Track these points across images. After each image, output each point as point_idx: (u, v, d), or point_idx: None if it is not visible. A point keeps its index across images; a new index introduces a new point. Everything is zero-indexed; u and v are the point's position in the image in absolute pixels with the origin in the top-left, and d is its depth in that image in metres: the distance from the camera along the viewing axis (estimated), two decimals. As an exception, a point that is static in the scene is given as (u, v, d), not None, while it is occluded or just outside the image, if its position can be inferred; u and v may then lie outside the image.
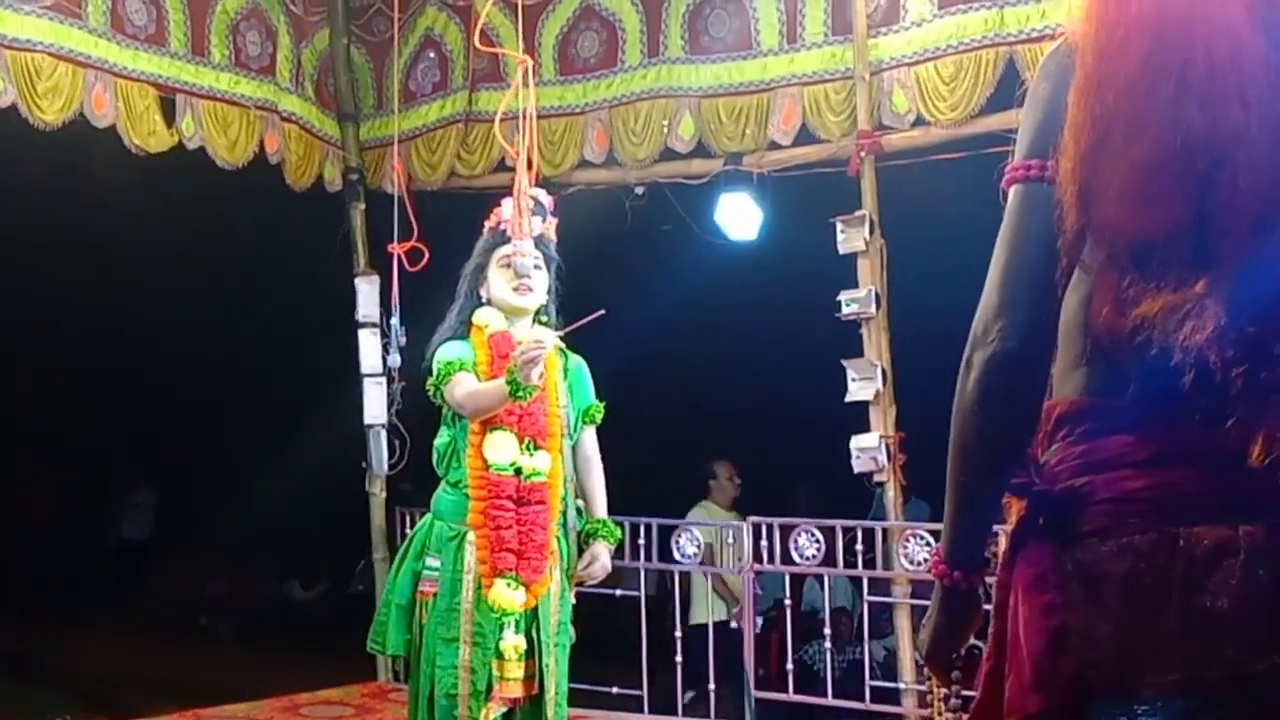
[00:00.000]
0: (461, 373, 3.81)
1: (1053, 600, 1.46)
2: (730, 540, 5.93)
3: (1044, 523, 1.51)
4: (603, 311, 3.66)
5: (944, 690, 1.75)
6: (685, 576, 6.31)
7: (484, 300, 3.98)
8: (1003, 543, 1.58)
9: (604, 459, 4.16)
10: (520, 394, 3.60)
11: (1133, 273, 1.43)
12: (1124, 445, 1.46)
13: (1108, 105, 1.45)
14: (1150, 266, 1.42)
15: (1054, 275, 1.52)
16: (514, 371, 3.56)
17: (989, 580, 1.63)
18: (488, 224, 4.06)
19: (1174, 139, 1.42)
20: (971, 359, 1.55)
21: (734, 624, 6.50)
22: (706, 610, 6.31)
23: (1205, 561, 1.39)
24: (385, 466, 6.66)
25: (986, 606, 1.64)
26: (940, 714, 1.76)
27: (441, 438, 3.99)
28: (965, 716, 1.73)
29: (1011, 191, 1.57)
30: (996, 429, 1.55)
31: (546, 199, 4.12)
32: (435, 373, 3.86)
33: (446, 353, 3.88)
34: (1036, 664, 1.45)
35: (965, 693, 1.72)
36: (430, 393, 3.93)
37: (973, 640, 1.71)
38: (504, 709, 3.80)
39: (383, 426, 6.62)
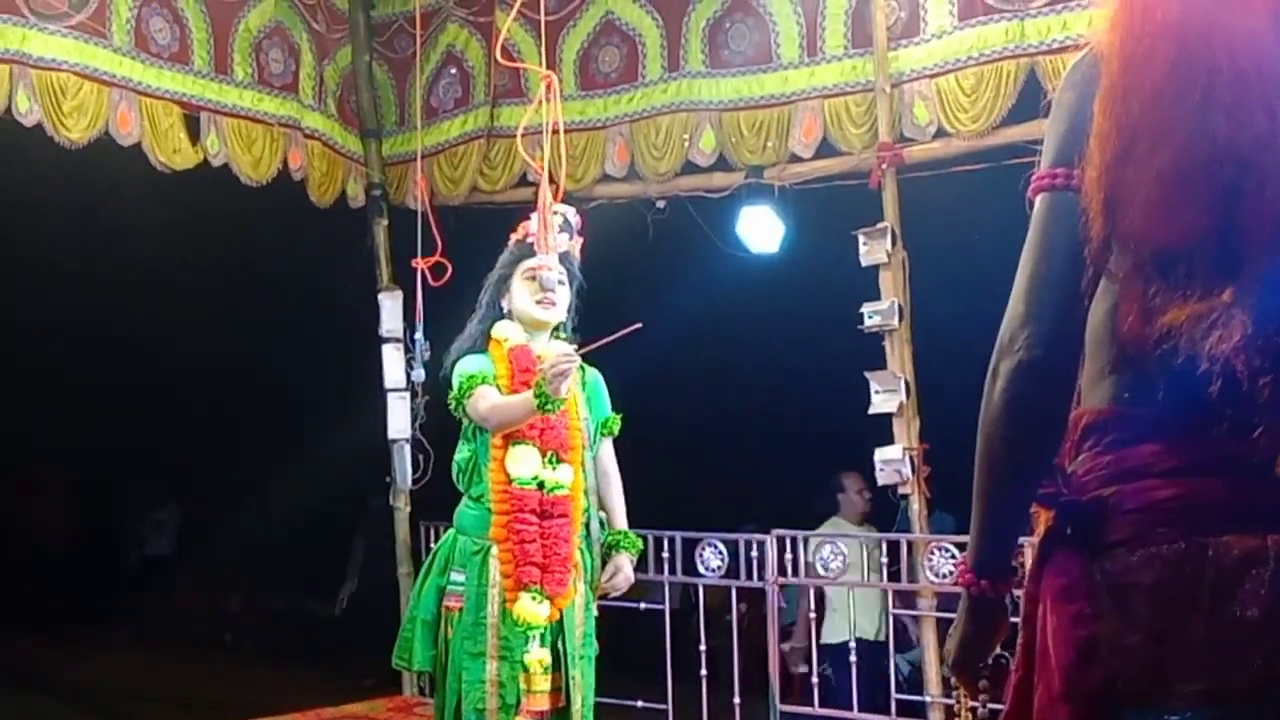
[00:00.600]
0: (484, 386, 3.82)
1: (1081, 610, 1.45)
2: (866, 557, 5.77)
3: (1072, 533, 1.51)
4: (639, 325, 3.68)
5: (971, 701, 1.74)
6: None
7: (505, 311, 4.00)
8: (1030, 553, 1.58)
9: (624, 472, 4.18)
10: (549, 406, 3.62)
11: (1159, 281, 1.43)
12: (1151, 454, 1.46)
13: (1133, 114, 1.45)
14: (1176, 275, 1.42)
15: (1080, 284, 1.52)
16: (543, 384, 3.57)
17: (1016, 591, 1.63)
18: (514, 236, 4.08)
19: (1200, 147, 1.42)
20: (998, 368, 1.54)
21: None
22: (848, 626, 5.95)
23: (1234, 571, 1.39)
24: (409, 481, 6.68)
25: (1014, 619, 1.64)
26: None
27: (461, 452, 4.00)
28: None
29: (1037, 200, 1.57)
30: (1023, 437, 1.55)
31: (575, 217, 4.13)
32: (456, 387, 3.87)
33: (466, 366, 3.89)
34: (1065, 674, 1.45)
35: (992, 705, 1.72)
36: (451, 406, 3.94)
37: (999, 650, 1.70)
38: (532, 721, 3.81)
39: (406, 441, 6.64)
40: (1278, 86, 1.41)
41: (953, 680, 1.76)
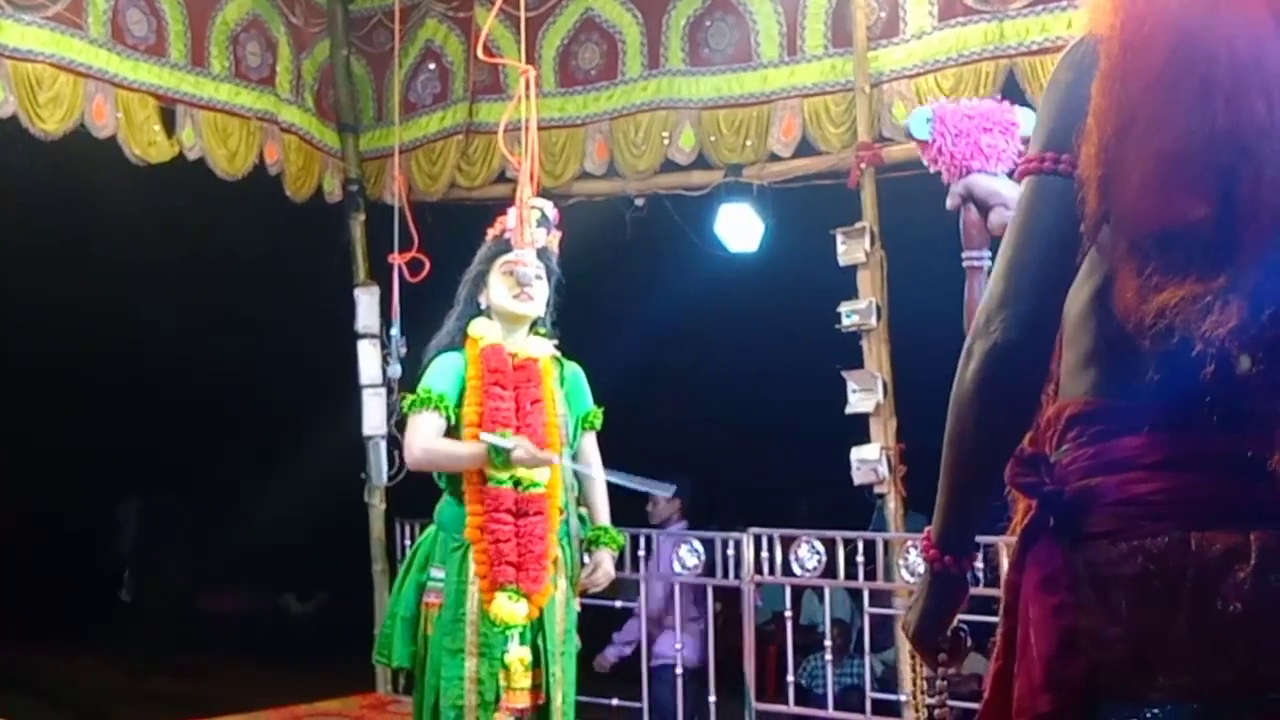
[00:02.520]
0: (427, 414, 3.80)
1: (1063, 601, 1.46)
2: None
3: (1054, 523, 1.51)
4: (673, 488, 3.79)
5: (928, 671, 1.75)
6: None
7: (483, 308, 3.98)
8: (1010, 542, 1.58)
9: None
10: (498, 463, 3.70)
11: (1157, 259, 1.43)
12: (1136, 447, 1.46)
13: (1132, 94, 1.46)
14: (1172, 256, 1.42)
15: (1061, 268, 1.52)
16: (502, 453, 3.64)
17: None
18: (491, 232, 4.07)
19: (1198, 131, 1.42)
20: (972, 348, 1.54)
21: None
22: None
23: (1216, 566, 1.39)
24: (385, 478, 6.65)
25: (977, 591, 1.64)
26: (923, 692, 1.77)
27: (443, 449, 3.99)
28: (947, 697, 1.74)
29: (1024, 183, 1.57)
30: (993, 419, 1.55)
31: (552, 212, 4.12)
32: (407, 401, 3.89)
33: (430, 379, 3.88)
34: (1047, 664, 1.45)
35: (961, 704, 1.72)
36: (404, 408, 3.95)
37: (957, 622, 1.71)
38: (512, 719, 3.79)
39: (382, 438, 6.60)
40: (1275, 76, 1.42)
41: (910, 649, 1.77)
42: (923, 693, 1.75)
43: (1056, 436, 1.55)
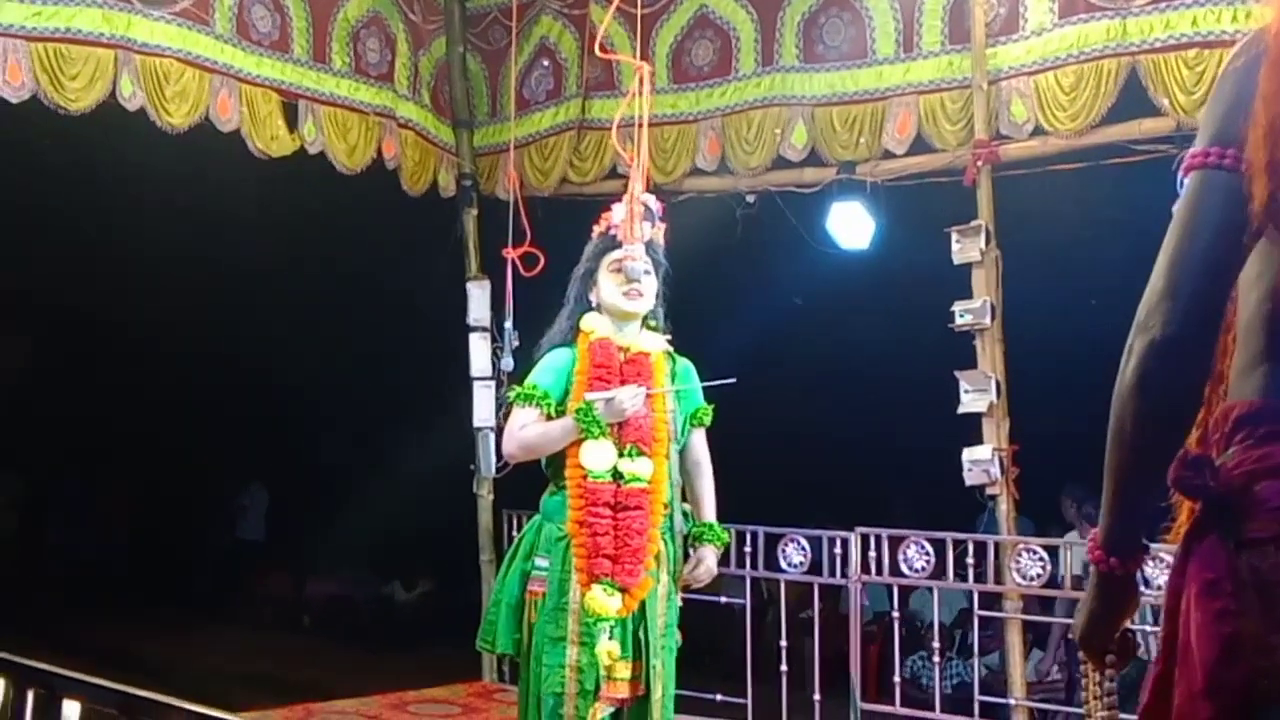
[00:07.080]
0: (529, 408, 3.85)
1: (1226, 606, 1.43)
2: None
3: (1218, 526, 1.48)
4: (734, 380, 3.86)
5: (1098, 674, 1.73)
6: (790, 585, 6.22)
7: (593, 305, 4.00)
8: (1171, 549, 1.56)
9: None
10: (593, 431, 3.73)
11: None
12: None
13: None
14: None
15: (1224, 264, 1.50)
16: (593, 410, 3.68)
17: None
18: (596, 229, 4.08)
19: None
20: (1133, 345, 1.51)
21: None
22: None
23: None
24: (493, 469, 6.72)
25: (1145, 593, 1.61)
26: (1096, 697, 1.74)
27: (551, 442, 4.03)
28: (1116, 701, 1.71)
29: (1188, 178, 1.54)
30: (1154, 415, 1.51)
31: (655, 204, 4.12)
32: (514, 392, 3.94)
33: (536, 374, 3.92)
34: (1208, 671, 1.42)
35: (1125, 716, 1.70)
36: (509, 401, 4.00)
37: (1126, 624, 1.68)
38: (611, 709, 3.81)
39: (491, 430, 6.67)
40: None
41: (1080, 655, 1.74)
42: (1095, 698, 1.72)
43: (1224, 439, 1.52)
